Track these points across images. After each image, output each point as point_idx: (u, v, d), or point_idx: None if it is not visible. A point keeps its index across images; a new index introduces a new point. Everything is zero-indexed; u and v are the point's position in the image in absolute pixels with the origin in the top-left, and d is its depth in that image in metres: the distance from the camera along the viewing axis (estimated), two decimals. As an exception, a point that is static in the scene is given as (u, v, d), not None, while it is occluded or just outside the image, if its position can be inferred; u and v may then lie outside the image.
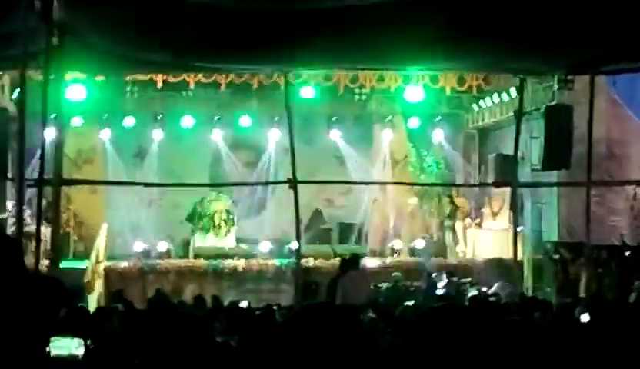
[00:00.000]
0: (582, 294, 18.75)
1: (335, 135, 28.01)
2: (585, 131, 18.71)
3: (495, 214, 26.08)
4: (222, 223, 26.18)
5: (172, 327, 7.15)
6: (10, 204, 22.62)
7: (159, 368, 5.66)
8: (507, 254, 22.84)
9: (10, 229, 21.89)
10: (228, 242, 25.86)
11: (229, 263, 23.48)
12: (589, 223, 18.40)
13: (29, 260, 16.44)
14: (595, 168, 18.70)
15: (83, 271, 21.65)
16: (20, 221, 14.15)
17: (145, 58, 15.98)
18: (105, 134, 27.22)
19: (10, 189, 22.34)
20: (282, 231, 26.16)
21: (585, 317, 11.21)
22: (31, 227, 18.77)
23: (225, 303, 17.59)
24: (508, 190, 23.01)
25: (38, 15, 12.78)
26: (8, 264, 2.90)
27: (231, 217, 26.41)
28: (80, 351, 5.84)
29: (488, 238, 25.91)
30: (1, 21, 13.14)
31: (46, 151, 14.71)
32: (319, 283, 21.47)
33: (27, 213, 19.28)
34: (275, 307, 14.49)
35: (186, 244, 26.33)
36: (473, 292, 20.80)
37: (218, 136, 27.75)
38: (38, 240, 14.67)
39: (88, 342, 6.55)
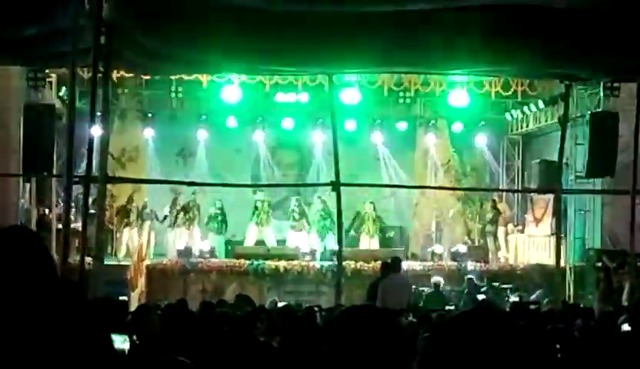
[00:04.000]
0: (625, 303, 18.60)
1: (378, 138, 27.97)
2: (629, 138, 18.59)
3: (537, 221, 25.94)
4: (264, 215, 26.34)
5: (215, 326, 7.23)
6: (55, 200, 22.90)
7: (203, 365, 5.69)
8: (549, 260, 22.72)
9: (54, 225, 22.16)
10: (268, 240, 25.97)
11: (270, 263, 23.50)
12: (633, 231, 18.25)
13: (74, 256, 16.64)
14: (639, 176, 18.54)
15: (126, 268, 21.82)
16: (67, 217, 14.28)
17: (191, 58, 16.09)
18: (149, 133, 27.38)
19: (54, 185, 22.62)
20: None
21: (626, 327, 11.13)
22: (74, 224, 18.96)
23: (267, 303, 17.62)
24: (551, 196, 22.91)
25: (87, 13, 12.91)
26: (31, 261, 2.92)
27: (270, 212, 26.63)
28: (126, 346, 5.93)
29: (530, 244, 25.78)
30: (52, 19, 13.29)
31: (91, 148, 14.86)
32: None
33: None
34: (316, 309, 14.50)
35: (227, 242, 26.47)
36: (514, 298, 20.72)
37: (261, 137, 27.80)
38: (84, 236, 14.81)
39: (134, 337, 6.66)
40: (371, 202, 26.41)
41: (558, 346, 7.17)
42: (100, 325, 2.92)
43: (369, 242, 26.48)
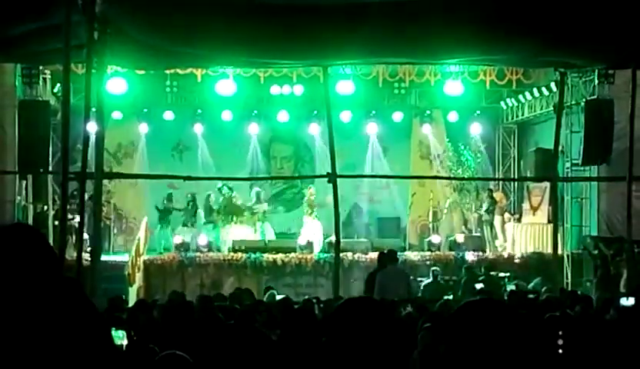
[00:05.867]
0: (623, 290, 18.62)
1: (374, 129, 27.98)
2: (625, 125, 18.58)
3: (534, 209, 25.94)
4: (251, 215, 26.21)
5: (214, 319, 7.23)
6: (51, 197, 22.89)
7: (201, 360, 5.69)
8: (546, 248, 22.77)
9: (51, 222, 22.15)
10: (266, 235, 25.90)
11: (268, 256, 23.47)
12: (630, 218, 18.26)
13: (70, 253, 16.63)
14: (635, 163, 18.55)
15: (124, 264, 21.81)
16: (64, 213, 14.25)
17: (185, 52, 16.06)
18: (145, 128, 27.36)
19: (50, 182, 22.61)
20: (321, 225, 26.26)
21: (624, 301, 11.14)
22: (70, 221, 18.94)
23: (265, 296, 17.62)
24: (547, 184, 22.95)
25: (80, 9, 12.89)
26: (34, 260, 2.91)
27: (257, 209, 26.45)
28: (124, 342, 5.94)
29: (527, 233, 25.79)
30: (45, 15, 13.27)
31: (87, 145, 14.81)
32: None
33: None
34: (314, 301, 14.50)
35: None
36: (512, 287, 20.72)
37: (256, 130, 27.79)
38: (81, 233, 14.79)
39: (132, 333, 6.66)
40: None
41: (560, 333, 7.16)
42: (100, 321, 2.92)
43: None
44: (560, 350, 6.64)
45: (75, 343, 2.78)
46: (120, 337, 5.76)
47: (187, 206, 25.94)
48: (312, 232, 25.26)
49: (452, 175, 27.48)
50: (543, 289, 17.83)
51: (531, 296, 16.94)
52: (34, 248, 2.85)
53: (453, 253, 24.60)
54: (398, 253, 19.60)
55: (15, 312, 2.75)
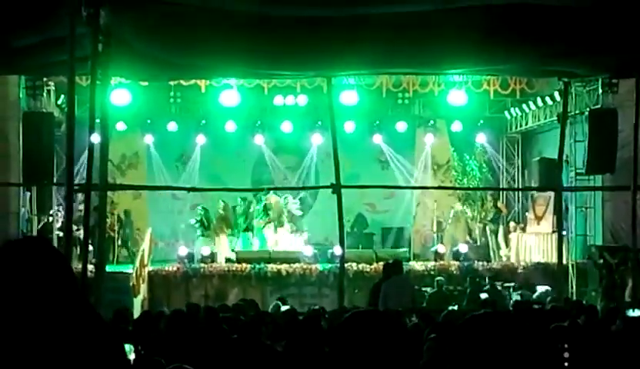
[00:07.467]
0: (628, 299, 18.59)
1: (378, 139, 28.02)
2: (629, 134, 18.56)
3: (538, 218, 25.92)
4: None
5: (221, 331, 7.22)
6: (55, 208, 22.90)
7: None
8: (551, 258, 22.73)
9: (55, 233, 22.15)
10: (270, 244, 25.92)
11: (272, 267, 23.45)
12: (635, 227, 18.22)
13: (75, 264, 16.61)
14: (639, 172, 18.52)
15: (128, 275, 21.79)
16: (68, 225, 14.24)
17: (188, 64, 16.08)
18: (149, 139, 27.39)
19: (55, 193, 22.62)
20: (325, 236, 26.24)
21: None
22: (75, 232, 18.93)
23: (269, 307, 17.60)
24: (551, 194, 22.92)
25: (84, 21, 12.91)
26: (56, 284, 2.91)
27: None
28: (131, 356, 5.94)
29: (531, 242, 25.76)
30: (49, 28, 13.29)
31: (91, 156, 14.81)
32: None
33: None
34: (320, 311, 14.47)
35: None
36: (516, 297, 20.70)
37: (260, 140, 27.84)
38: (86, 245, 14.79)
39: (139, 347, 6.66)
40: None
41: (566, 345, 7.17)
42: (113, 336, 2.92)
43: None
44: (566, 363, 6.64)
45: (90, 356, 2.78)
46: (128, 351, 5.76)
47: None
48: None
49: (458, 185, 27.49)
50: (548, 299, 17.81)
51: (536, 306, 16.91)
52: (50, 262, 2.84)
53: (457, 263, 24.56)
54: (403, 263, 19.58)
55: (31, 324, 2.75)
